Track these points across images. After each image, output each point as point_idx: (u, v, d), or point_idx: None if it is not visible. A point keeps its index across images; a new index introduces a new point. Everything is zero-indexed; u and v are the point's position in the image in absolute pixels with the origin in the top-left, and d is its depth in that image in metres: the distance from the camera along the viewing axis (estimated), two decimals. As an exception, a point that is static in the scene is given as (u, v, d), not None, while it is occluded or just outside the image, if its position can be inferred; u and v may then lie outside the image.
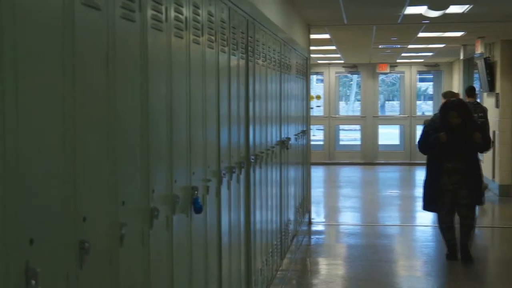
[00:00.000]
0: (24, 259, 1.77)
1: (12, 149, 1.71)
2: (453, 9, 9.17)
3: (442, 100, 13.91)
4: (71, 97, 2.08)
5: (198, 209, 3.52)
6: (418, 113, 20.88)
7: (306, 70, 10.42)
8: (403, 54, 17.41)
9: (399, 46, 15.08)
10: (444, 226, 8.04)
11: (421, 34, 12.38)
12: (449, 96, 11.58)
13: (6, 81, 1.69)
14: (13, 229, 1.72)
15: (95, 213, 2.26)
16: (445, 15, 9.55)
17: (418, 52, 17.04)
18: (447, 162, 7.86)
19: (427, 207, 8.23)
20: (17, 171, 1.74)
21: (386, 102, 30.52)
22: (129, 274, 2.61)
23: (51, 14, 1.98)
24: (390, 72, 21.08)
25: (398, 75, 21.78)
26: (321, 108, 20.73)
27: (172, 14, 3.18)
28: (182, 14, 3.35)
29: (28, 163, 1.80)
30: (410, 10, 9.21)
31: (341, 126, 21.81)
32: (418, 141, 8.25)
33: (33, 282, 1.78)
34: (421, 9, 9.26)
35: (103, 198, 2.36)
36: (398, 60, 19.54)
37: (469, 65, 16.71)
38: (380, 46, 15.01)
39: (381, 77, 21.93)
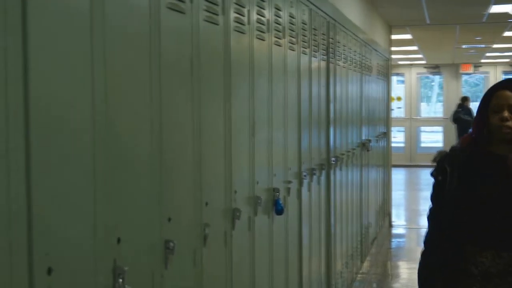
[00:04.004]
0: (112, 257, 1.82)
1: (101, 151, 1.76)
2: (541, 7, 8.88)
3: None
4: (158, 99, 2.12)
5: (280, 210, 3.53)
6: (503, 115, 20.31)
7: (387, 71, 10.30)
8: (487, 54, 16.97)
9: (483, 46, 14.71)
10: None
11: (506, 33, 12.05)
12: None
13: (97, 82, 1.73)
14: (102, 228, 1.76)
15: (180, 214, 2.29)
16: (532, 13, 9.25)
17: (503, 52, 16.58)
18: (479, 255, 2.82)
19: None
20: (106, 174, 1.78)
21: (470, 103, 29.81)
22: (212, 274, 2.64)
23: (138, 18, 2.02)
24: (473, 73, 20.59)
25: (482, 75, 21.24)
26: (402, 109, 20.42)
27: (255, 16, 3.20)
28: (264, 16, 3.37)
29: (116, 165, 1.85)
30: (496, 9, 8.97)
31: (423, 128, 21.41)
32: (426, 237, 3.07)
33: (121, 280, 1.82)
34: (507, 8, 9.01)
35: (187, 199, 2.40)
36: (482, 60, 19.07)
37: (557, 64, 16.13)
38: (463, 46, 14.69)
39: (464, 77, 21.43)
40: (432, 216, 3.00)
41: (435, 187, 2.92)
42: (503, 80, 2.91)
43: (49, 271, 1.51)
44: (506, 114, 2.71)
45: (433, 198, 2.97)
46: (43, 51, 1.50)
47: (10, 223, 1.38)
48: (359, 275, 6.93)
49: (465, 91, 21.76)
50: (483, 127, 2.79)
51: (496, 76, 19.96)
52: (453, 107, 19.89)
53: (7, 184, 1.37)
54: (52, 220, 1.54)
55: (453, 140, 17.17)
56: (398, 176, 16.37)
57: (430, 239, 2.98)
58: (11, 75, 1.39)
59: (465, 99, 17.02)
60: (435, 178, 2.90)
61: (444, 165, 2.84)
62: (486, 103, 2.80)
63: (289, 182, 3.91)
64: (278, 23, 3.64)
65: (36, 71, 1.46)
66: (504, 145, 2.76)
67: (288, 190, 3.87)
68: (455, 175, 2.81)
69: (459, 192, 2.79)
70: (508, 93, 2.75)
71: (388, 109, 10.59)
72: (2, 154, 1.36)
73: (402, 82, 21.07)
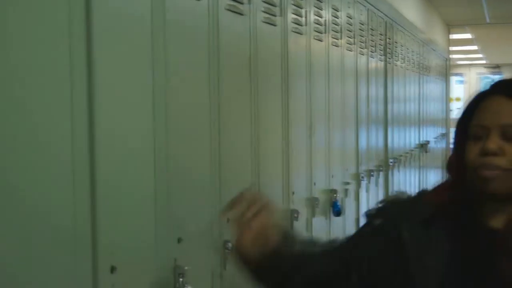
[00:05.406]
0: (172, 257, 1.84)
1: (162, 152, 1.78)
2: None
3: None
4: (216, 100, 2.13)
5: (337, 212, 3.51)
6: None
7: (445, 71, 10.14)
8: (550, 53, 16.52)
9: (546, 44, 14.33)
10: None
11: None
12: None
13: (157, 86, 1.76)
14: (164, 228, 1.79)
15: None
16: None
17: None
18: None
19: None
20: (167, 174, 1.80)
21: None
22: (270, 275, 2.64)
23: (197, 21, 2.04)
24: (535, 72, 20.07)
25: (545, 75, 20.70)
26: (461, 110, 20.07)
27: (312, 17, 3.20)
28: (321, 17, 3.36)
29: (176, 166, 1.87)
30: (559, 6, 8.73)
31: (482, 129, 20.99)
32: None
33: (181, 279, 1.84)
34: None
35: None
36: (544, 59, 18.59)
37: None
38: (525, 45, 14.34)
39: (526, 77, 20.91)
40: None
41: (361, 230, 1.50)
42: (497, 82, 1.40)
43: (112, 269, 1.53)
44: (492, 142, 1.29)
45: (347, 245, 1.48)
46: (106, 55, 1.53)
47: (76, 223, 1.41)
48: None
49: (526, 91, 21.20)
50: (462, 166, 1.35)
51: (559, 75, 19.44)
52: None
53: (72, 183, 1.40)
54: (116, 220, 1.56)
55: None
56: (457, 178, 16.07)
57: None
58: (76, 72, 1.42)
59: None
60: (369, 220, 1.47)
61: (393, 215, 1.42)
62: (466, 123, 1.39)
63: (347, 183, 3.89)
64: (335, 24, 3.63)
65: (100, 74, 1.49)
66: (496, 205, 1.31)
67: (346, 191, 3.84)
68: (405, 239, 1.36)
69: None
70: (502, 101, 1.31)
71: (447, 110, 10.43)
72: (67, 160, 1.40)
73: (461, 82, 20.70)
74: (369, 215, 1.47)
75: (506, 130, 1.28)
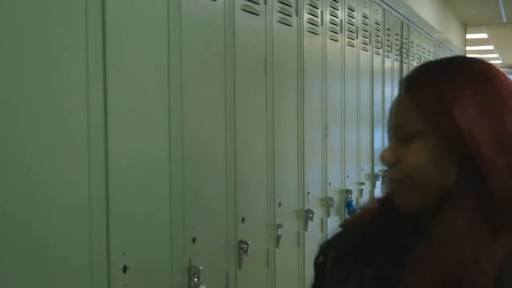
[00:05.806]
0: (187, 256, 1.84)
1: (177, 152, 1.78)
2: None
3: None
4: (232, 100, 2.13)
5: (352, 212, 3.50)
6: None
7: (461, 71, 10.09)
8: None
9: None
10: None
11: None
12: None
13: (173, 85, 1.76)
14: (179, 228, 1.78)
15: (253, 215, 2.30)
16: None
17: None
18: None
19: None
20: (182, 175, 1.80)
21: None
22: (285, 275, 2.64)
23: (213, 20, 2.04)
24: (552, 72, 19.95)
25: (562, 75, 20.55)
26: (477, 110, 19.98)
27: (328, 17, 3.19)
28: (337, 17, 3.35)
29: (192, 167, 1.86)
30: None
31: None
32: None
33: (196, 279, 1.84)
34: None
35: (261, 200, 2.40)
36: (561, 59, 18.46)
37: None
38: (541, 45, 14.25)
39: (542, 77, 20.77)
40: None
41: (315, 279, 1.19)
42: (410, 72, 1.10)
43: (125, 269, 1.53)
44: (387, 151, 1.07)
45: None
46: (121, 54, 1.53)
47: (91, 224, 1.42)
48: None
49: (543, 91, 21.06)
50: None
51: None
52: (530, 108, 19.32)
53: (87, 181, 1.40)
54: (130, 220, 1.57)
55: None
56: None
57: None
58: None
59: None
60: (314, 260, 1.20)
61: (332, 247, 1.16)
62: None
63: (362, 183, 3.88)
64: (351, 24, 3.62)
65: (114, 80, 1.50)
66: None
67: (360, 191, 3.84)
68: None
69: None
70: (401, 99, 1.07)
71: (462, 110, 10.37)
72: (83, 146, 1.40)
73: (477, 82, 20.60)
74: (319, 249, 1.19)
75: (398, 132, 1.04)
